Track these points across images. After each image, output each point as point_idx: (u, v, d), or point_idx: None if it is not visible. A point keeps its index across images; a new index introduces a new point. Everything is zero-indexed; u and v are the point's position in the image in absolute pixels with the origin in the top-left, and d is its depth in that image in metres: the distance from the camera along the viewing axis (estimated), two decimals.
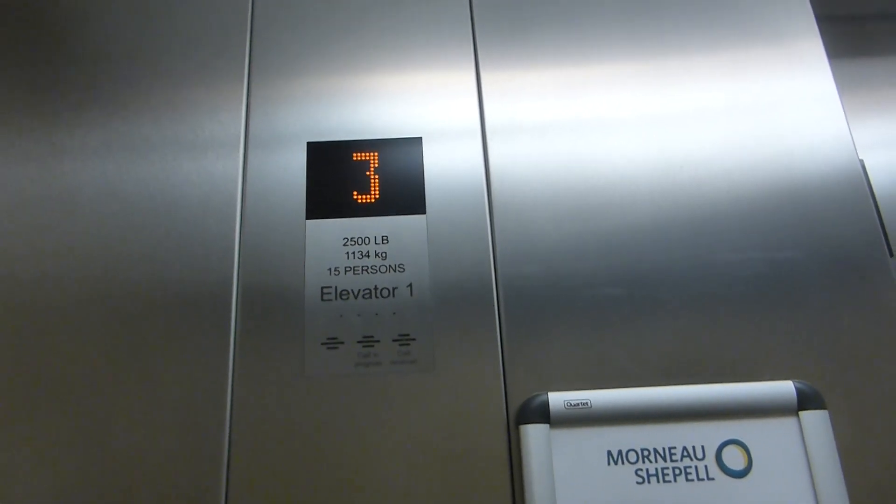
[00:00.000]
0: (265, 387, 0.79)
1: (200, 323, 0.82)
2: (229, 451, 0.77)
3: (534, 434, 0.76)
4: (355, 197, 0.87)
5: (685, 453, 0.76)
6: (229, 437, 0.77)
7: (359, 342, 0.81)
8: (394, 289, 0.83)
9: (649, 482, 0.75)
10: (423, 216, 0.87)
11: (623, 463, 0.76)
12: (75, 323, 0.82)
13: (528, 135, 0.93)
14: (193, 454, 0.77)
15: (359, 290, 0.83)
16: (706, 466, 0.76)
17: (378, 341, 0.81)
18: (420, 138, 0.91)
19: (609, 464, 0.76)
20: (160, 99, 0.93)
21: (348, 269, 0.84)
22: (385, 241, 0.85)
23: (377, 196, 0.87)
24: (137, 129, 0.91)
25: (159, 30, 0.98)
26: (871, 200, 0.89)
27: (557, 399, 0.78)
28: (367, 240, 0.85)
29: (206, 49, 0.97)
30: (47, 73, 0.95)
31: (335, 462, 0.76)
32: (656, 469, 0.76)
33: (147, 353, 0.80)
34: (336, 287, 0.83)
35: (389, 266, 0.84)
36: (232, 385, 0.79)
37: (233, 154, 0.90)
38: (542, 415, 0.77)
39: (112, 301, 0.83)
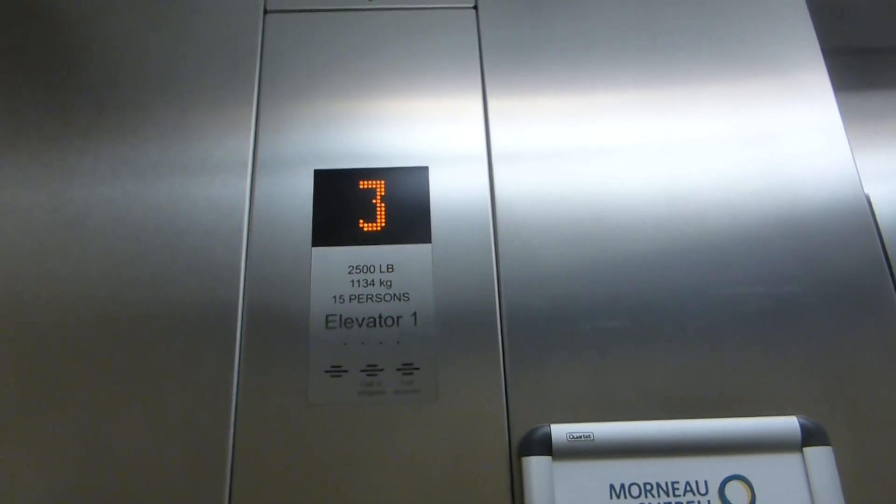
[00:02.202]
0: (268, 413, 0.79)
1: (205, 349, 0.82)
2: (232, 476, 0.77)
3: (536, 466, 0.76)
4: (361, 225, 0.88)
5: (688, 488, 0.76)
6: (232, 463, 0.77)
7: (362, 371, 0.81)
8: (398, 317, 0.84)
9: None
10: (429, 245, 0.87)
11: (625, 497, 0.76)
12: (81, 345, 0.82)
13: (534, 162, 0.94)
14: (196, 479, 0.77)
15: (363, 319, 0.83)
16: (709, 502, 0.75)
17: (382, 370, 0.81)
18: (426, 167, 0.92)
19: (611, 497, 0.76)
20: (169, 125, 0.94)
21: (353, 297, 0.84)
22: (390, 270, 0.86)
23: (383, 224, 0.88)
24: (145, 156, 0.92)
25: (169, 56, 0.99)
26: (877, 234, 0.89)
27: (560, 431, 0.77)
28: (372, 268, 0.86)
29: (215, 75, 0.98)
30: (57, 98, 0.96)
31: (337, 490, 0.76)
32: None
33: (152, 377, 0.81)
34: (341, 315, 0.84)
35: (394, 295, 0.85)
36: (235, 411, 0.79)
37: (240, 180, 0.91)
38: (545, 447, 0.77)
39: (118, 325, 0.83)
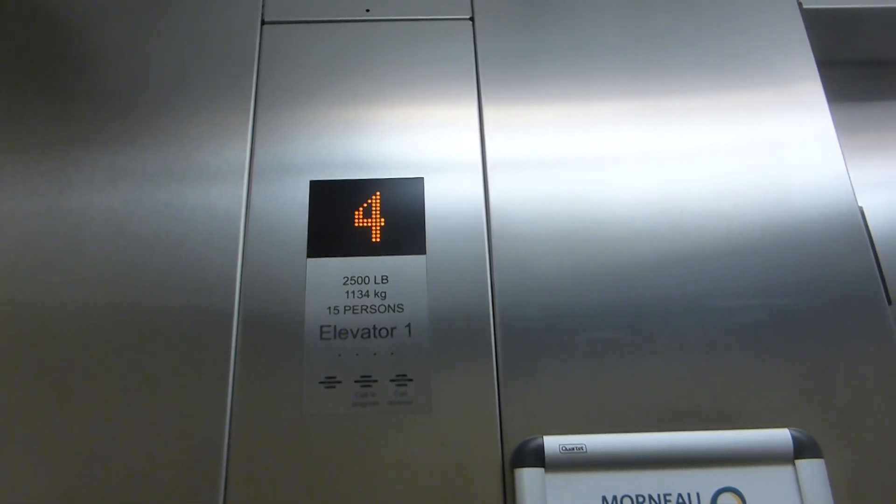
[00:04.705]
0: (263, 423, 0.80)
1: (200, 357, 0.82)
2: (226, 485, 0.77)
3: (529, 478, 0.76)
4: (356, 236, 0.88)
5: (680, 500, 0.76)
6: (226, 472, 0.78)
7: (356, 382, 0.82)
8: (392, 329, 0.84)
9: None
10: (423, 256, 0.87)
11: None
12: (78, 353, 0.82)
13: (529, 172, 0.94)
14: (191, 487, 0.77)
15: (358, 330, 0.84)
16: None
17: (376, 381, 0.82)
18: (422, 178, 0.92)
19: None
20: (166, 134, 0.95)
21: (348, 308, 0.85)
22: (385, 281, 0.86)
23: (378, 236, 0.88)
24: (143, 165, 0.93)
25: (167, 66, 1.00)
26: (870, 248, 0.90)
27: (553, 443, 0.78)
28: (367, 279, 0.86)
29: (213, 85, 0.98)
30: (56, 108, 0.96)
31: (331, 501, 0.77)
32: None
33: (148, 385, 0.81)
34: (335, 326, 0.84)
35: (389, 306, 0.85)
36: (230, 420, 0.80)
37: (236, 190, 0.91)
38: (538, 458, 0.77)
39: (115, 332, 0.83)
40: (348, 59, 1.01)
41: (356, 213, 0.89)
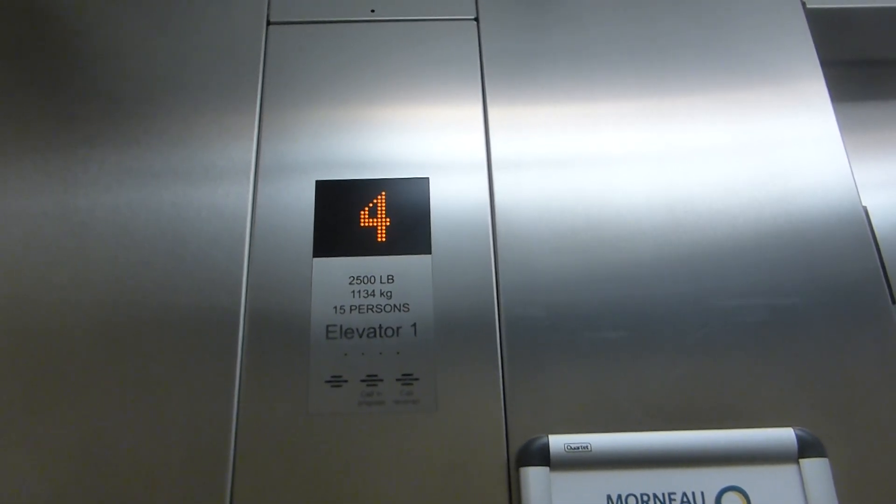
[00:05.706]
0: (269, 422, 0.80)
1: (206, 356, 0.83)
2: (233, 484, 0.78)
3: (534, 477, 0.76)
4: (362, 236, 0.88)
5: (685, 499, 0.77)
6: (233, 471, 0.78)
7: (362, 381, 0.82)
8: (398, 328, 0.84)
9: None
10: (429, 256, 0.88)
11: None
12: (84, 352, 0.83)
13: (534, 171, 0.94)
14: (197, 486, 0.77)
15: (363, 329, 0.84)
16: None
17: (381, 380, 0.82)
18: (427, 178, 0.92)
19: None
20: (172, 134, 0.95)
21: (353, 307, 0.85)
22: (391, 281, 0.86)
23: (384, 235, 0.88)
24: (149, 164, 0.93)
25: (173, 66, 1.00)
26: (874, 247, 0.90)
27: (558, 442, 0.78)
28: (372, 279, 0.87)
29: (219, 85, 0.99)
30: (62, 107, 0.97)
31: (337, 500, 0.77)
32: None
33: (154, 384, 0.81)
34: (341, 326, 0.84)
35: (394, 305, 0.85)
36: (237, 419, 0.80)
37: (242, 189, 0.92)
38: (543, 457, 0.77)
39: (121, 331, 0.84)
40: (353, 60, 1.01)
41: (362, 212, 0.90)
